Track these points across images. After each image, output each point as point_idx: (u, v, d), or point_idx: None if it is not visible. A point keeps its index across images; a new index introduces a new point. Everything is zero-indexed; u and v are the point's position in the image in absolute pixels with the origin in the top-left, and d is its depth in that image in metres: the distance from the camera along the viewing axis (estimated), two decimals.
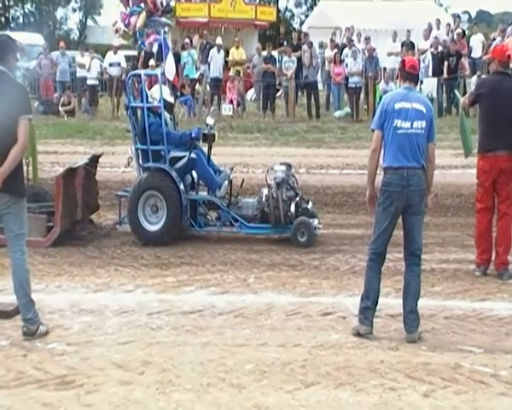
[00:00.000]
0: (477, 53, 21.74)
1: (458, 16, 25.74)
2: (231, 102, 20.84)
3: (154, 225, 8.70)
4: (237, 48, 22.57)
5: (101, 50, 24.95)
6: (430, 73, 20.02)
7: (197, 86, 21.67)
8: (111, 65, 21.25)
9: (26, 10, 50.85)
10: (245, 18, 28.60)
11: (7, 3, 48.99)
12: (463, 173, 12.52)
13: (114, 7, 27.39)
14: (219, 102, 20.94)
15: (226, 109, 20.38)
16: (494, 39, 21.13)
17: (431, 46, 20.88)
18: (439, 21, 23.15)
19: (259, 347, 5.56)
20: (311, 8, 45.30)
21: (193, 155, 8.84)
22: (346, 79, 20.51)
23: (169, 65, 9.94)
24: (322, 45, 23.42)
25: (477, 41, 22.21)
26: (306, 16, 42.88)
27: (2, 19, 48.74)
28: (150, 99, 9.03)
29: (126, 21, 24.28)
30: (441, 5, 41.99)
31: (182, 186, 8.71)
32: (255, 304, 6.55)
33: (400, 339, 5.71)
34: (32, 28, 36.87)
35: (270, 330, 5.91)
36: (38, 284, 6.88)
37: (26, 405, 4.63)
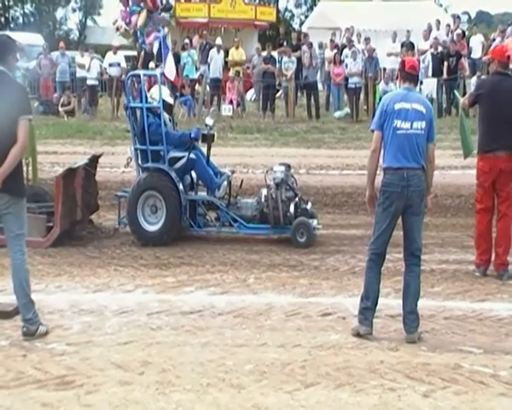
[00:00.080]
0: (477, 53, 21.76)
1: (458, 17, 25.75)
2: (231, 102, 20.84)
3: (153, 225, 8.69)
4: (237, 48, 22.58)
5: (101, 51, 24.97)
6: (430, 73, 20.01)
7: (197, 87, 21.65)
8: (111, 65, 21.28)
9: (26, 10, 50.94)
10: (245, 18, 28.59)
11: (7, 4, 49.01)
12: (463, 174, 12.50)
13: (114, 6, 27.46)
14: (219, 103, 20.93)
15: (226, 110, 20.38)
16: (494, 40, 21.16)
17: (431, 47, 20.88)
18: (438, 22, 23.17)
19: (259, 347, 5.56)
20: (311, 8, 45.33)
21: (192, 156, 8.83)
22: (346, 79, 20.51)
23: (169, 65, 9.94)
24: (321, 46, 23.43)
25: (477, 41, 22.22)
26: (306, 17, 42.92)
27: (2, 19, 48.79)
28: (150, 99, 9.04)
29: (127, 20, 24.27)
30: (441, 5, 42.08)
31: (181, 186, 8.70)
32: (255, 304, 6.55)
33: (400, 339, 5.70)
34: (32, 28, 36.81)
35: (269, 331, 5.90)
36: (38, 284, 6.88)
37: (25, 405, 4.63)
